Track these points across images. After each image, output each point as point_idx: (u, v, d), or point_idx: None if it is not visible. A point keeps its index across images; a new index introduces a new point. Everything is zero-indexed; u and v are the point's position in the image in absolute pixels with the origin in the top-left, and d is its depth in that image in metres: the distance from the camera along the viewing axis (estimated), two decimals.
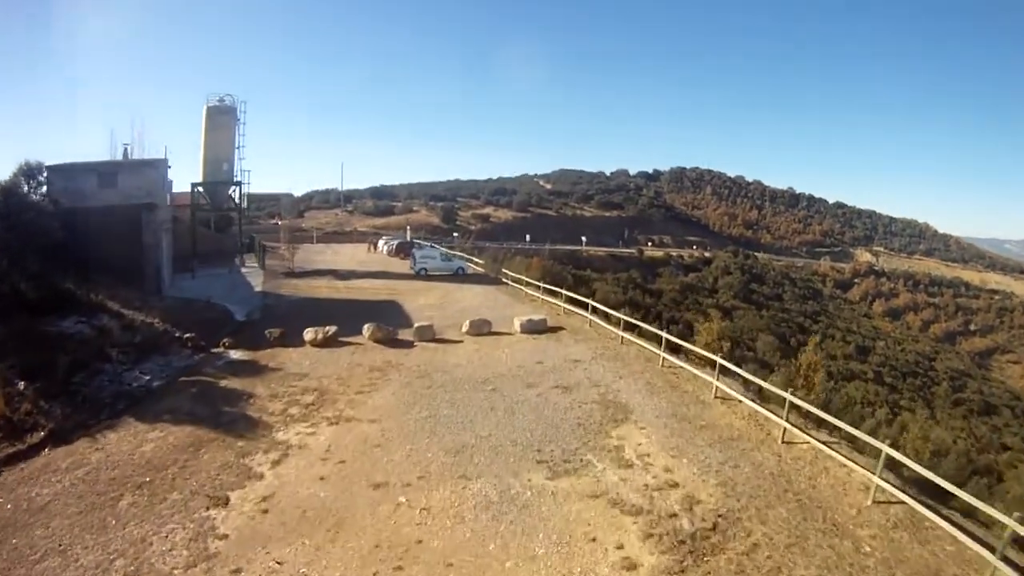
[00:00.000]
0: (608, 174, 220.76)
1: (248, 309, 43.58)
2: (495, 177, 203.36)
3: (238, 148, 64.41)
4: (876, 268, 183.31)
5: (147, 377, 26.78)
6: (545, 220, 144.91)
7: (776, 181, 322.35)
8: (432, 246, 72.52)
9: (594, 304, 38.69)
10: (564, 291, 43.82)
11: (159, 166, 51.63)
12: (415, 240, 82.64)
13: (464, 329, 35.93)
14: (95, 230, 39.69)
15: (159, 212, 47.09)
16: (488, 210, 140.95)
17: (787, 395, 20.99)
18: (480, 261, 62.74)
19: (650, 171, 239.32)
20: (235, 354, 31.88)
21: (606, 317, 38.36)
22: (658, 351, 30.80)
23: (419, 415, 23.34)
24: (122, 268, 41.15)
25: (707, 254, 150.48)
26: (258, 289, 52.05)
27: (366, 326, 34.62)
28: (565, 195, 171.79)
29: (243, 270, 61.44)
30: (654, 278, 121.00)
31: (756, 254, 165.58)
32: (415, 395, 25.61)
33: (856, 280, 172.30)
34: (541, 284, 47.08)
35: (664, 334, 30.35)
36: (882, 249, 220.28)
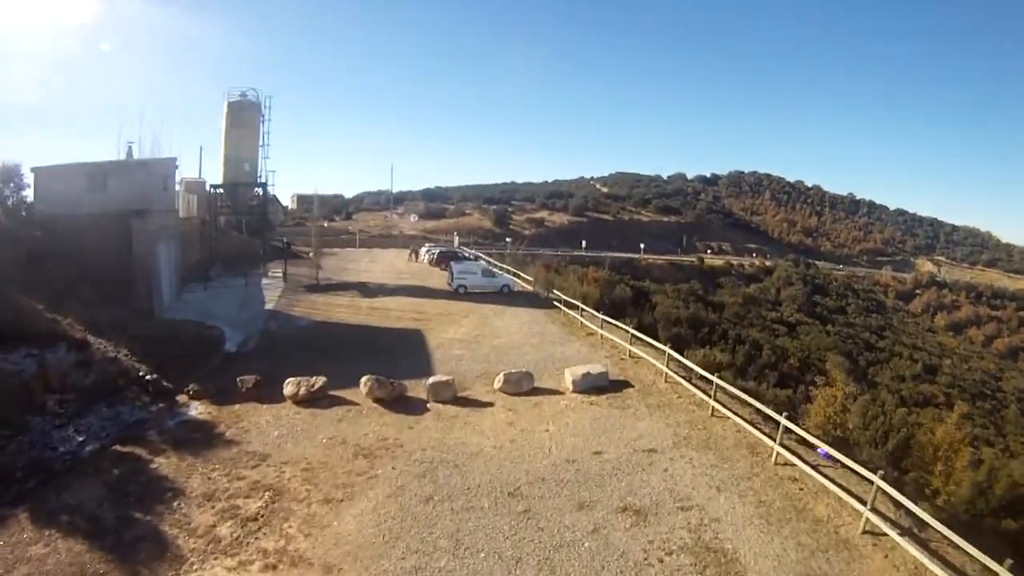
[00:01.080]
0: (665, 177, 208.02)
1: (246, 335, 34.98)
2: (550, 180, 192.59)
3: (262, 147, 55.20)
4: (938, 279, 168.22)
5: (80, 438, 19.84)
6: (601, 225, 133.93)
7: (836, 186, 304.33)
8: (475, 256, 62.46)
9: (670, 352, 27.57)
10: (630, 328, 32.65)
11: (155, 167, 42.94)
12: (460, 248, 72.59)
13: (497, 384, 25.32)
14: (81, 240, 32.96)
15: (154, 219, 38.52)
16: (543, 214, 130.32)
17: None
18: (528, 278, 52.04)
19: (708, 175, 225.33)
20: (196, 408, 23.70)
21: (686, 369, 27.31)
22: (763, 434, 20.55)
23: (401, 564, 14.06)
24: (111, 283, 33.96)
25: (768, 263, 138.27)
26: (269, 307, 42.80)
27: (364, 380, 24.41)
28: (622, 199, 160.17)
29: (264, 281, 52.17)
30: (715, 288, 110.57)
31: (816, 263, 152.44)
32: (405, 516, 16.02)
33: (917, 291, 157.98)
34: (600, 315, 35.76)
35: (782, 420, 18.99)
36: (943, 259, 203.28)
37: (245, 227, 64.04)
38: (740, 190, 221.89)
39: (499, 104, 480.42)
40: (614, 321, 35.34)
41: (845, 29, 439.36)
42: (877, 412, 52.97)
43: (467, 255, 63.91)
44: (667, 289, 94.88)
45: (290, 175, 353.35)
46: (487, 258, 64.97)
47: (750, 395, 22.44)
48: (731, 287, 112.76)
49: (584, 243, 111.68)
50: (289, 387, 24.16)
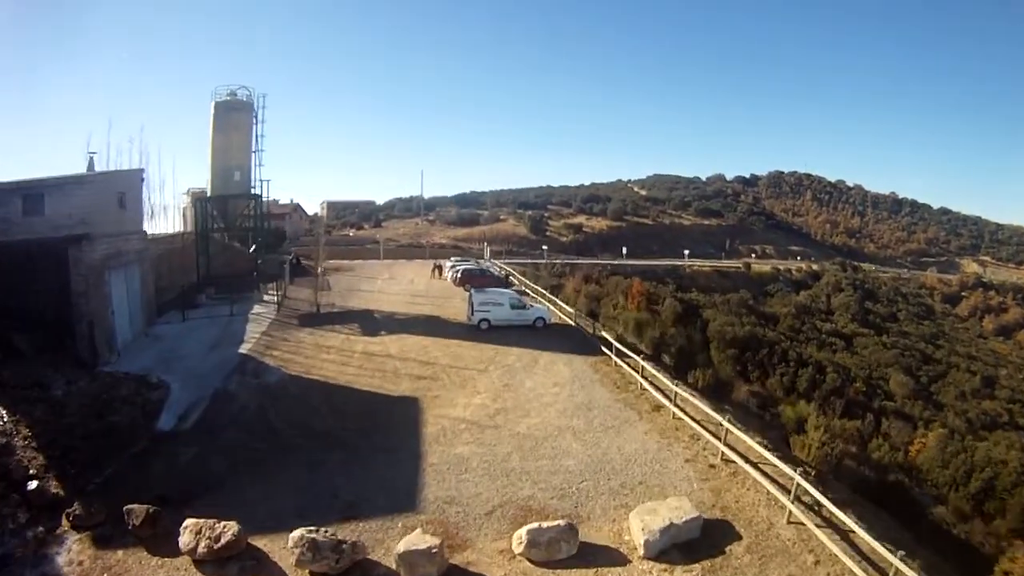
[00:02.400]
0: (704, 179, 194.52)
1: (196, 397, 25.50)
2: (587, 183, 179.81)
3: (255, 152, 44.89)
4: (984, 280, 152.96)
5: None
6: (641, 230, 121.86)
7: (877, 185, 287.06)
8: (505, 276, 51.32)
9: (799, 479, 15.85)
10: (724, 419, 20.61)
11: (107, 182, 33.13)
12: (489, 263, 61.52)
13: (518, 545, 14.20)
14: (12, 275, 28.04)
15: (100, 245, 29.70)
16: (580, 219, 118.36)
17: None
18: (569, 309, 40.14)
19: (747, 175, 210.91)
20: (68, 549, 14.91)
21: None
22: None
23: None
24: (48, 327, 28.49)
25: (814, 267, 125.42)
26: (245, 348, 32.55)
27: (295, 537, 13.71)
28: (661, 202, 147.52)
29: (255, 309, 41.84)
30: (763, 296, 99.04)
31: (861, 265, 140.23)
32: None
33: (963, 293, 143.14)
34: (673, 382, 24.20)
35: None
36: (989, 259, 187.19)
37: (254, 242, 54.05)
38: (780, 191, 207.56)
39: (533, 106, 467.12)
40: (691, 395, 23.93)
41: (879, 25, 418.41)
42: (957, 449, 44.52)
43: (494, 271, 52.72)
44: (716, 300, 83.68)
45: (321, 181, 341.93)
46: (518, 276, 53.75)
47: None
48: (781, 296, 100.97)
49: (625, 250, 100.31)
50: (187, 535, 14.38)
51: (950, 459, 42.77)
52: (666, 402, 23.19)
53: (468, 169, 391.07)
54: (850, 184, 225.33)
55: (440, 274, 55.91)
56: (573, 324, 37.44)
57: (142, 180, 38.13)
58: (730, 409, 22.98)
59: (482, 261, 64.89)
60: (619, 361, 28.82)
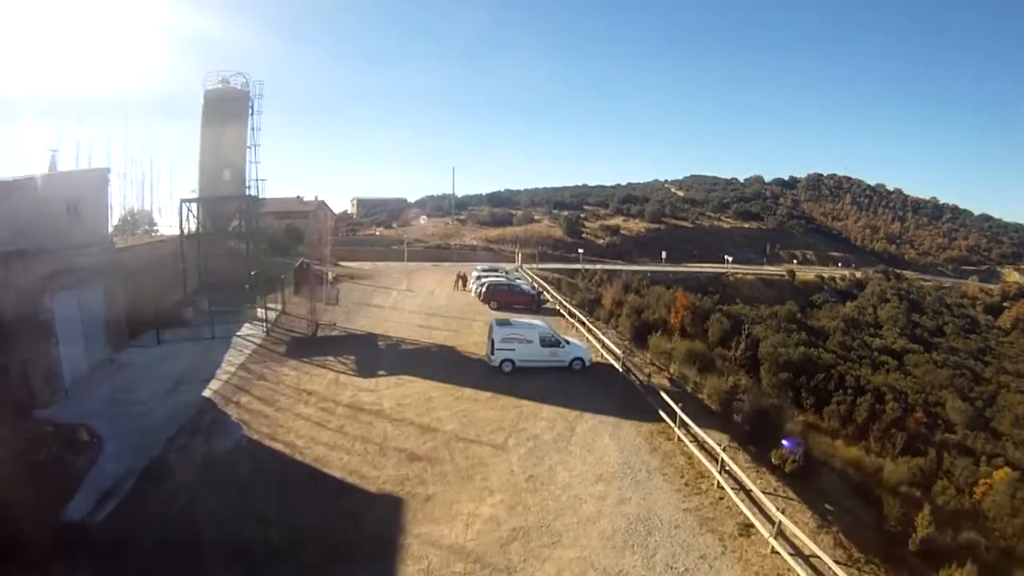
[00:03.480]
0: (742, 180, 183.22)
1: (126, 469, 18.71)
2: (623, 183, 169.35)
3: (251, 147, 37.33)
4: None
5: None
6: (680, 232, 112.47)
7: (917, 189, 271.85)
8: (537, 292, 43.07)
9: None
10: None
11: (53, 186, 25.91)
12: (519, 272, 53.29)
13: None
14: None
15: (41, 263, 23.47)
16: (617, 220, 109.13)
17: None
18: (613, 345, 30.60)
19: (786, 178, 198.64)
20: None
21: None
22: None
23: None
24: None
25: (857, 275, 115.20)
26: (210, 390, 25.30)
27: None
28: (700, 204, 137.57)
29: (245, 328, 34.48)
30: (809, 307, 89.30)
31: (903, 273, 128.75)
32: None
33: (1006, 304, 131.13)
34: (764, 478, 15.28)
35: None
36: None
37: (270, 242, 46.88)
38: (819, 194, 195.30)
39: (569, 103, 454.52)
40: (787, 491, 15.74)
41: (916, 27, 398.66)
42: None
43: (524, 285, 44.46)
44: (763, 313, 74.97)
45: (352, 177, 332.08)
46: (551, 292, 45.50)
47: None
48: (829, 308, 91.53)
49: (664, 255, 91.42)
50: None
51: (1021, 506, 35.44)
52: (759, 523, 14.99)
53: (503, 166, 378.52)
54: (890, 188, 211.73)
55: (464, 285, 47.91)
56: (618, 359, 29.06)
57: (106, 181, 30.83)
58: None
59: (511, 271, 56.53)
60: (683, 436, 20.52)
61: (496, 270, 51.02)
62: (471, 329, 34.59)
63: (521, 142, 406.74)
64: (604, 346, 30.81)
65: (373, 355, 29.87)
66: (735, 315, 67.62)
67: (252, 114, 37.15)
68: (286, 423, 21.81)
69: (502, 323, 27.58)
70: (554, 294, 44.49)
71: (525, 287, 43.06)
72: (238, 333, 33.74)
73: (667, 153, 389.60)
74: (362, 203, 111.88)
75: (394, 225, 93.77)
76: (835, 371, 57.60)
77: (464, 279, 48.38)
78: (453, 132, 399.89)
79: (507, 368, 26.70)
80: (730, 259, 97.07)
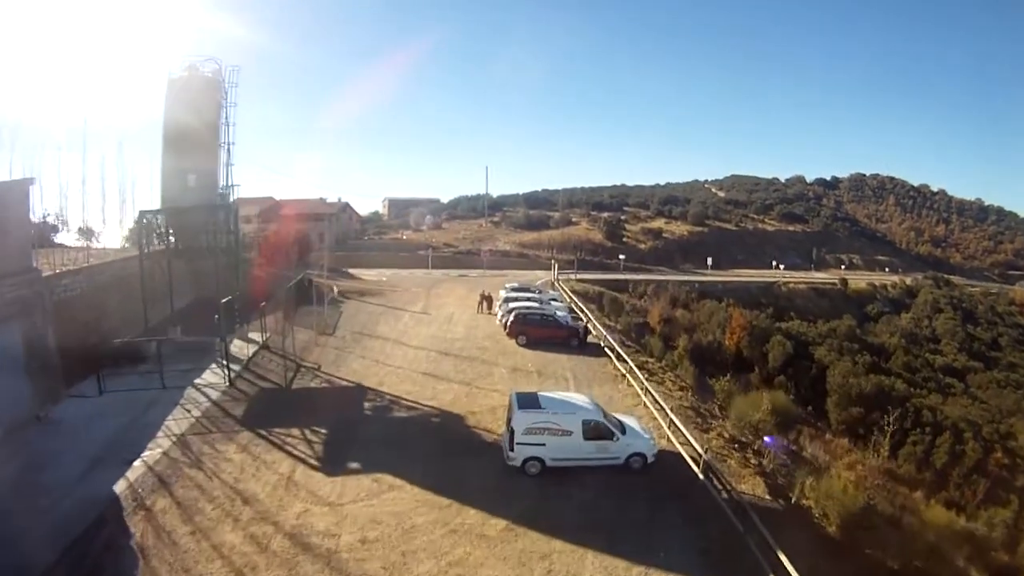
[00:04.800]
0: (783, 180, 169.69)
1: None
2: (663, 183, 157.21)
3: (223, 145, 28.40)
4: None
5: None
6: (724, 235, 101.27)
7: (962, 190, 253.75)
8: (584, 326, 32.93)
9: None
10: None
11: None
12: (552, 293, 42.93)
13: None
14: None
15: None
16: (659, 223, 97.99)
17: None
18: (686, 431, 19.62)
19: (828, 178, 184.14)
20: None
21: None
22: None
23: None
24: None
25: (907, 281, 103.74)
26: (124, 482, 16.95)
27: None
28: (742, 205, 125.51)
29: (206, 374, 25.56)
30: (865, 320, 79.31)
31: (951, 278, 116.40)
32: None
33: None
34: None
35: None
36: None
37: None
38: (862, 194, 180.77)
39: (607, 101, 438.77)
40: None
41: (954, 25, 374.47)
42: None
43: (561, 313, 34.62)
44: (820, 329, 64.43)
45: (388, 177, 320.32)
46: (592, 317, 35.48)
47: None
48: (886, 321, 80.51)
49: (710, 261, 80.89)
50: None
51: None
52: None
53: (539, 165, 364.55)
54: (934, 189, 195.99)
55: (489, 307, 38.24)
56: (695, 455, 19.27)
57: (27, 196, 22.07)
58: None
59: (545, 285, 46.51)
60: None
61: (528, 289, 41.10)
62: (491, 381, 25.06)
63: (559, 140, 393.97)
64: (669, 421, 20.96)
65: (352, 428, 20.52)
66: (794, 334, 57.29)
67: (226, 107, 28.24)
68: (195, 566, 12.84)
69: (526, 402, 17.63)
70: (597, 322, 34.67)
71: (562, 315, 33.33)
72: (198, 380, 24.92)
73: (705, 151, 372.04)
74: (393, 203, 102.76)
75: (424, 228, 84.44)
76: (911, 404, 47.63)
77: (489, 300, 38.57)
78: (490, 130, 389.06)
79: (533, 470, 17.03)
80: (782, 266, 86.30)
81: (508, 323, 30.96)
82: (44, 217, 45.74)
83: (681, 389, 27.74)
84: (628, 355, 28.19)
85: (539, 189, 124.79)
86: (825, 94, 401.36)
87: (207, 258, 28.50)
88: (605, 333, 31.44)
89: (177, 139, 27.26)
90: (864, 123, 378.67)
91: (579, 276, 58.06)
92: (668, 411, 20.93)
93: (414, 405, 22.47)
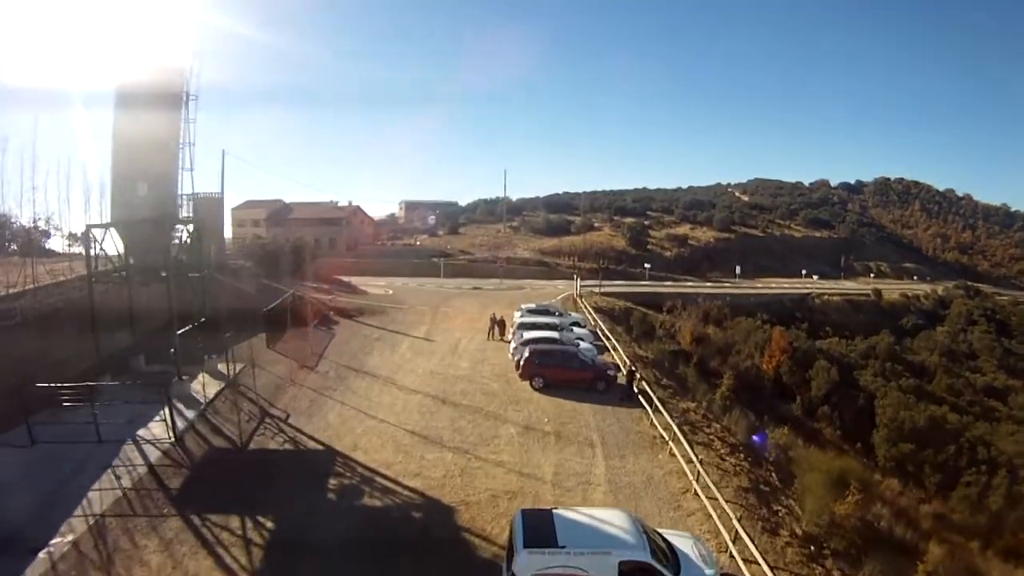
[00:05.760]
0: (807, 184, 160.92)
1: None
2: (685, 186, 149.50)
3: (184, 147, 22.52)
4: None
5: None
6: (750, 242, 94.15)
7: (988, 195, 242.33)
8: (596, 354, 26.37)
9: None
10: None
11: None
12: (582, 321, 35.51)
13: None
14: None
15: None
16: (684, 229, 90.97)
17: None
18: (755, 552, 13.30)
19: (852, 182, 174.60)
20: None
21: None
22: None
23: None
24: None
25: (938, 291, 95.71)
26: None
27: None
28: (767, 210, 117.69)
29: (152, 423, 19.67)
30: (900, 333, 71.45)
31: (979, 287, 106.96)
32: None
33: None
34: None
35: None
36: None
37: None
38: (887, 199, 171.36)
39: (628, 102, 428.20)
40: None
41: (978, 29, 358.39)
42: None
43: (587, 345, 28.29)
44: (859, 346, 58.23)
45: (406, 180, 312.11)
46: (620, 346, 28.76)
47: None
48: (924, 337, 73.18)
49: (738, 270, 74.01)
50: None
51: None
52: None
53: (560, 168, 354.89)
54: (959, 194, 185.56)
55: (501, 333, 31.95)
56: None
57: None
58: None
59: (566, 302, 39.91)
60: None
61: (546, 311, 34.74)
62: (495, 446, 18.87)
63: (580, 141, 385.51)
64: (733, 532, 14.57)
65: (306, 522, 14.56)
66: (836, 356, 50.62)
67: (186, 101, 22.38)
68: None
69: (536, 534, 11.14)
70: (625, 353, 28.25)
71: (587, 348, 27.08)
72: (141, 431, 19.23)
73: (728, 154, 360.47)
74: (410, 206, 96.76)
75: (440, 233, 78.38)
76: (964, 439, 40.66)
77: (502, 325, 32.13)
78: (513, 131, 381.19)
79: None
80: (816, 277, 79.43)
81: (521, 361, 24.61)
82: (35, 221, 40.93)
83: (733, 452, 21.39)
84: (666, 402, 21.97)
85: (560, 192, 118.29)
86: (849, 96, 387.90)
87: (161, 280, 22.61)
88: (634, 361, 24.91)
89: (127, 141, 21.46)
90: (888, 127, 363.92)
91: (604, 287, 51.63)
92: (729, 512, 14.51)
93: (392, 487, 16.39)
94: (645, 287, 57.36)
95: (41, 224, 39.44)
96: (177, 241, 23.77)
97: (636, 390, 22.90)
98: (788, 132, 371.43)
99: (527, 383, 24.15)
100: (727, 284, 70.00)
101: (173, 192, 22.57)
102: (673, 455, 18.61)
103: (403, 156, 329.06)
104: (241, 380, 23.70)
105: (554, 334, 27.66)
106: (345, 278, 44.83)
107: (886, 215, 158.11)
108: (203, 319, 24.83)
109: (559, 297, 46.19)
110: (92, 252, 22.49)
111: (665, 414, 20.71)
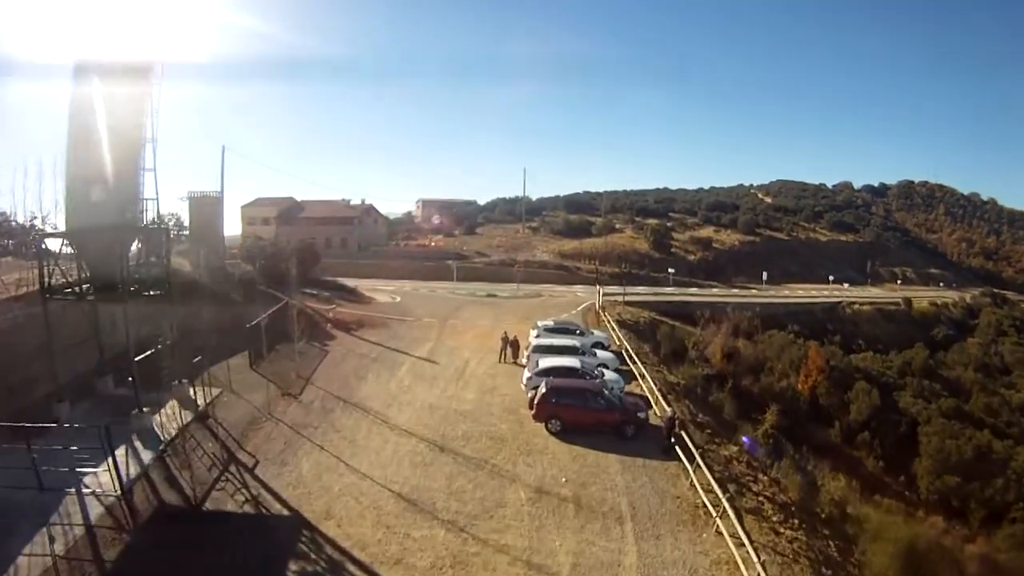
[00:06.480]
0: (831, 186, 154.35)
1: None
2: (707, 187, 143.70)
3: (147, 143, 18.62)
4: None
5: None
6: (775, 246, 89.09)
7: (1012, 199, 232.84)
8: (622, 389, 21.96)
9: None
10: None
11: None
12: (607, 344, 30.51)
13: None
14: None
15: None
16: (708, 232, 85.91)
17: None
18: None
19: (875, 184, 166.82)
20: None
21: None
22: None
23: None
24: None
25: (966, 298, 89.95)
26: None
27: None
28: (792, 212, 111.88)
29: (97, 470, 15.76)
30: (933, 344, 65.85)
31: (1006, 294, 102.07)
32: None
33: None
34: None
35: None
36: None
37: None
38: (911, 203, 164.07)
39: (651, 100, 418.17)
40: None
41: (999, 32, 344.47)
42: None
43: (612, 376, 24.04)
44: (894, 361, 53.47)
45: (426, 177, 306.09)
46: (648, 374, 24.01)
47: None
48: (958, 351, 67.82)
49: (765, 275, 69.14)
50: None
51: None
52: None
53: (581, 167, 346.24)
54: (984, 198, 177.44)
55: (515, 355, 27.84)
56: None
57: None
58: None
59: (588, 327, 34.63)
60: None
61: (567, 329, 30.36)
62: (499, 521, 14.68)
63: (600, 142, 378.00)
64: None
65: None
66: (873, 374, 45.96)
67: (153, 95, 18.56)
68: None
69: None
70: (653, 379, 23.94)
71: (613, 381, 22.84)
72: (88, 479, 15.48)
73: (750, 155, 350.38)
74: (427, 205, 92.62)
75: (456, 233, 74.25)
76: (1012, 470, 36.42)
77: (515, 346, 27.84)
78: (528, 129, 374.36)
79: None
80: (846, 285, 74.35)
81: (536, 399, 20.35)
82: (31, 220, 37.86)
83: (786, 517, 17.17)
84: (707, 452, 17.78)
85: (580, 192, 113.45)
86: (872, 98, 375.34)
87: (119, 296, 18.77)
88: (677, 420, 20.41)
89: (82, 139, 17.64)
90: (911, 129, 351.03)
91: (627, 295, 47.16)
92: None
93: None
94: (670, 295, 52.87)
95: (37, 223, 36.32)
96: (137, 251, 19.88)
97: (673, 441, 18.53)
98: (810, 133, 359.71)
99: (542, 425, 19.97)
100: (754, 290, 65.23)
101: (133, 195, 18.70)
102: (720, 533, 14.39)
103: (423, 154, 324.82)
104: (214, 409, 19.92)
105: (574, 361, 23.32)
106: (351, 283, 41.07)
107: (910, 219, 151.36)
108: (166, 341, 20.96)
109: (580, 307, 41.89)
110: (45, 264, 18.81)
111: (706, 470, 16.52)
